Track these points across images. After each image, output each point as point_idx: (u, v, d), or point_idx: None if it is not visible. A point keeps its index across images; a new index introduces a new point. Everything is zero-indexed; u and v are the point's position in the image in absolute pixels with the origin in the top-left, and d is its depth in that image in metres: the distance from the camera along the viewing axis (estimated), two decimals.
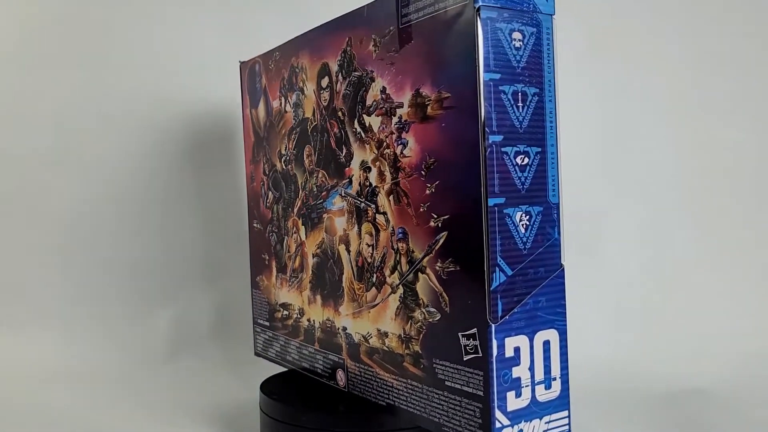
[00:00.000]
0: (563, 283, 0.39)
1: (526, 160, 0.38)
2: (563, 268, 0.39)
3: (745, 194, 0.80)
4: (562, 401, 0.39)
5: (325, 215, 0.50)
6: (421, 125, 0.40)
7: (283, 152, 0.55)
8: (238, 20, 0.76)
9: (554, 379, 0.39)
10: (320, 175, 0.50)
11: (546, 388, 0.39)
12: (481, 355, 0.37)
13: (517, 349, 0.37)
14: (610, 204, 0.81)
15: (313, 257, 0.51)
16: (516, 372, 0.37)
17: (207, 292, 0.75)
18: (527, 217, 0.38)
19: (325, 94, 0.49)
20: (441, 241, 0.39)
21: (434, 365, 0.40)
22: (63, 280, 0.75)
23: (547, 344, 0.39)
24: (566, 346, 0.39)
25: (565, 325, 0.39)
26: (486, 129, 0.36)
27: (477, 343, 0.37)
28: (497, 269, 0.37)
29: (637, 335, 0.74)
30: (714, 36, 0.82)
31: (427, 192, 0.40)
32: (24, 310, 0.74)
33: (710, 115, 0.82)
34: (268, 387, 0.52)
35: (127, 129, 0.75)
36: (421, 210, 0.40)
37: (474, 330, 0.37)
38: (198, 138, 0.76)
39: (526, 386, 0.38)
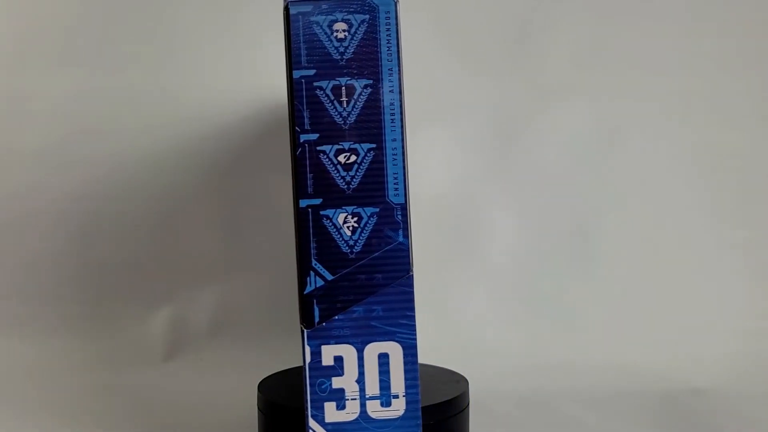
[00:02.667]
0: (411, 293, 0.35)
1: (354, 158, 0.35)
2: (411, 276, 0.35)
3: (745, 194, 0.77)
4: (409, 422, 0.35)
5: None
6: None
7: None
8: (235, 19, 0.76)
9: (396, 396, 0.35)
10: None
11: (383, 405, 0.35)
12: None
13: (338, 359, 0.35)
14: (609, 204, 0.78)
15: None
16: (338, 383, 0.35)
17: (206, 291, 0.74)
18: (355, 219, 0.35)
19: None
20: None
21: None
22: (62, 280, 0.75)
23: (384, 357, 0.35)
24: (414, 362, 0.35)
25: (413, 339, 0.35)
26: (297, 128, 0.35)
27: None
28: (312, 273, 0.35)
29: (636, 334, 0.72)
30: (714, 36, 0.79)
31: None
32: (23, 310, 0.75)
33: (710, 115, 0.78)
34: (267, 386, 0.52)
35: (125, 127, 0.75)
36: None
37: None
38: (199, 136, 0.75)
39: (353, 399, 0.35)
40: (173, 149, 0.75)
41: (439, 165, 0.72)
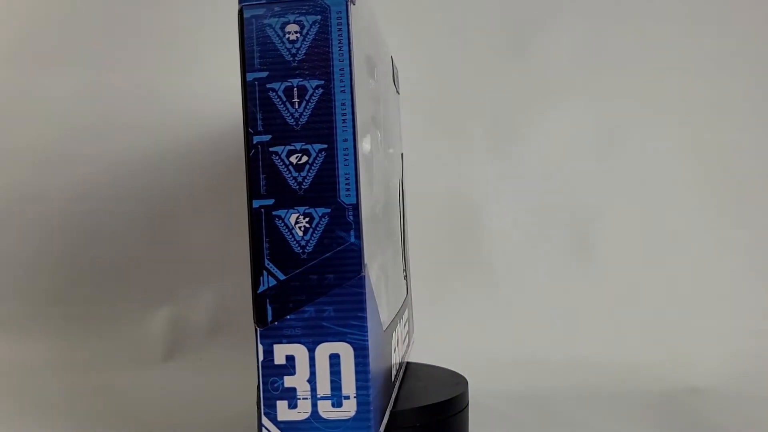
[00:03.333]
0: (362, 293, 0.35)
1: (305, 158, 0.35)
2: (363, 277, 0.35)
3: (745, 194, 0.78)
4: (360, 424, 0.35)
5: None
6: None
7: None
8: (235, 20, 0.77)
9: (347, 397, 0.35)
10: None
11: (333, 406, 0.35)
12: None
13: (290, 358, 0.35)
14: (609, 203, 0.79)
15: None
16: (289, 381, 0.35)
17: (206, 291, 0.75)
18: (307, 219, 0.35)
19: None
20: None
21: None
22: (62, 280, 0.76)
23: (335, 358, 0.35)
24: (366, 364, 0.35)
25: (365, 340, 0.35)
26: (250, 130, 0.36)
27: None
28: (265, 273, 0.36)
29: (636, 334, 0.73)
30: (713, 36, 0.80)
31: None
32: (21, 310, 0.76)
33: (711, 115, 0.80)
34: None
35: (124, 127, 0.75)
36: None
37: None
38: (198, 136, 0.76)
39: (304, 399, 0.35)
40: (173, 149, 0.76)
41: (439, 164, 0.71)
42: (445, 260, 0.72)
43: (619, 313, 0.75)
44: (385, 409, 0.40)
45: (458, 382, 0.53)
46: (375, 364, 0.37)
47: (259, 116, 0.36)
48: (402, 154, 0.64)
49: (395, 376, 0.46)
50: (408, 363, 0.57)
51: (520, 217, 0.77)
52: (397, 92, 0.64)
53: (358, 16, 0.42)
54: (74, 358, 0.71)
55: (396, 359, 0.46)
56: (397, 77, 0.63)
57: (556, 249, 0.78)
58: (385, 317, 0.46)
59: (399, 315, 0.50)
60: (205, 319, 0.75)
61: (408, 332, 0.56)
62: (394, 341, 0.45)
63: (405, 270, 0.59)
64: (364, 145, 0.44)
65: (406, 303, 0.57)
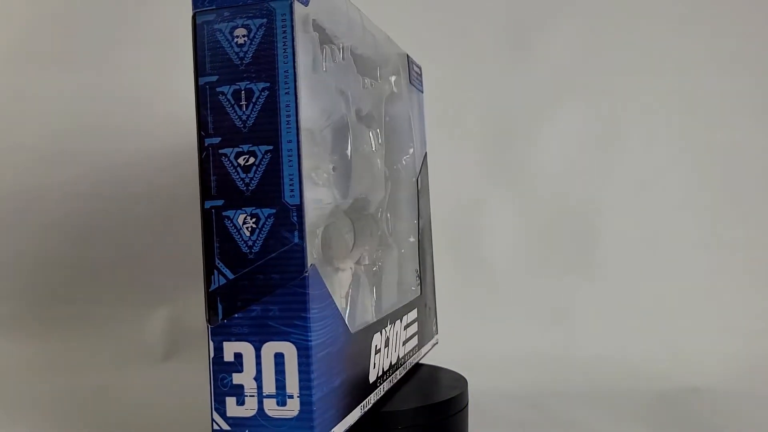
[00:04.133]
0: (305, 294, 0.35)
1: (252, 160, 0.36)
2: (306, 277, 0.35)
3: (745, 194, 0.79)
4: (303, 424, 0.35)
5: None
6: None
7: None
8: None
9: (291, 397, 0.35)
10: None
11: (278, 404, 0.36)
12: None
13: (238, 356, 0.36)
14: (609, 203, 0.80)
15: None
16: (237, 379, 0.36)
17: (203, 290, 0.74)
18: (254, 220, 0.36)
19: None
20: None
21: None
22: (61, 280, 0.77)
23: (279, 357, 0.35)
24: (309, 364, 0.35)
25: (308, 340, 0.35)
26: (202, 132, 0.36)
27: None
28: (216, 272, 0.36)
29: (636, 334, 0.73)
30: (713, 35, 0.81)
31: None
32: (21, 310, 0.77)
33: (710, 115, 0.80)
34: None
35: (124, 127, 0.76)
36: None
37: None
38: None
39: (251, 396, 0.36)
40: (173, 150, 0.76)
41: (438, 165, 0.70)
42: (445, 260, 0.71)
43: (619, 313, 0.75)
44: (349, 410, 0.40)
45: (458, 382, 0.53)
46: (328, 365, 0.37)
47: (209, 119, 0.36)
48: (426, 154, 0.64)
49: (382, 376, 0.46)
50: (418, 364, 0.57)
51: (519, 216, 0.76)
52: (420, 90, 0.63)
53: (334, 17, 0.42)
54: (74, 358, 0.71)
55: (381, 360, 0.46)
56: (418, 76, 0.63)
57: (555, 249, 0.78)
58: (364, 317, 0.46)
59: (396, 315, 0.50)
60: (202, 318, 0.76)
61: (418, 333, 0.56)
62: (378, 342, 0.45)
63: (419, 271, 0.58)
64: (349, 144, 0.44)
65: (418, 303, 0.56)
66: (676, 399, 0.60)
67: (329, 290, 0.38)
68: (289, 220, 0.36)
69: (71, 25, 0.79)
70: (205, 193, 0.37)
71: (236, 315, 0.36)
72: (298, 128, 0.35)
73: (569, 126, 0.80)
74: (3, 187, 0.79)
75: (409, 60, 0.60)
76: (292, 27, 0.35)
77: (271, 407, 0.36)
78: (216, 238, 0.36)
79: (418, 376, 0.53)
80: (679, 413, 0.57)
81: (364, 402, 0.43)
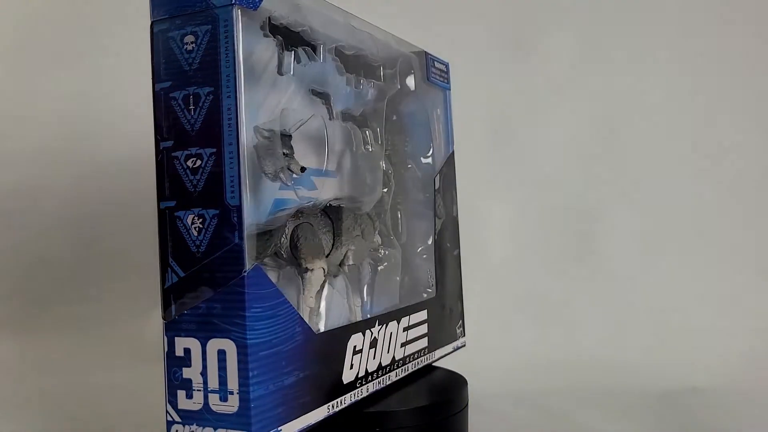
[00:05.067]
0: (243, 293, 0.36)
1: (198, 162, 0.37)
2: (245, 277, 0.36)
3: (745, 193, 0.80)
4: (241, 420, 0.36)
5: None
6: None
7: None
8: None
9: (231, 393, 0.36)
10: None
11: (221, 400, 0.36)
12: None
13: (187, 351, 0.37)
14: (609, 203, 0.80)
15: None
16: (186, 373, 0.37)
17: None
18: (200, 220, 0.37)
19: None
20: None
21: None
22: (60, 280, 0.76)
23: (222, 354, 0.36)
24: (247, 362, 0.36)
25: (245, 338, 0.36)
26: (158, 136, 0.38)
27: None
28: (169, 270, 0.38)
29: (636, 334, 0.73)
30: (712, 36, 0.81)
31: None
32: (20, 310, 0.77)
33: (709, 114, 0.81)
34: None
35: (124, 128, 0.75)
36: None
37: None
38: None
39: (198, 390, 0.37)
40: None
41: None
42: None
43: (619, 313, 0.75)
44: (310, 408, 0.40)
45: (458, 382, 0.52)
46: (274, 364, 0.37)
47: (164, 123, 0.38)
48: (452, 152, 0.62)
49: (365, 377, 0.46)
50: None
51: (519, 216, 0.76)
52: (444, 87, 0.62)
53: (309, 19, 0.42)
54: (74, 358, 0.71)
55: (363, 361, 0.45)
56: (442, 73, 0.62)
57: (555, 249, 0.78)
58: (340, 317, 0.46)
59: (392, 316, 0.49)
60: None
61: (428, 335, 0.55)
62: (358, 343, 0.45)
63: (436, 271, 0.57)
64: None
65: (432, 305, 0.55)
66: (676, 399, 0.60)
67: (281, 290, 0.39)
68: (230, 220, 0.36)
69: (72, 26, 0.80)
70: (161, 195, 0.38)
71: (185, 312, 0.37)
72: (238, 131, 0.36)
73: (569, 126, 0.80)
74: (3, 187, 0.79)
75: (427, 57, 0.59)
76: (234, 32, 0.36)
77: (215, 402, 0.37)
78: (169, 237, 0.38)
79: (419, 376, 0.53)
80: (679, 413, 0.57)
81: (335, 402, 0.43)
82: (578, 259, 0.78)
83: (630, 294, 0.76)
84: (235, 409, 0.36)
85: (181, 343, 0.38)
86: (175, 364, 0.38)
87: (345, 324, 0.45)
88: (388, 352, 0.49)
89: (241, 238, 0.36)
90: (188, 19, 0.37)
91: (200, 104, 0.37)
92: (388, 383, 0.49)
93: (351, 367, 0.45)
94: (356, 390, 0.45)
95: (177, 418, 0.38)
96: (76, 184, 0.79)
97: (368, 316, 0.48)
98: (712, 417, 0.56)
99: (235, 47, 0.36)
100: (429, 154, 0.59)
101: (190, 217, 0.38)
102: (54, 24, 0.80)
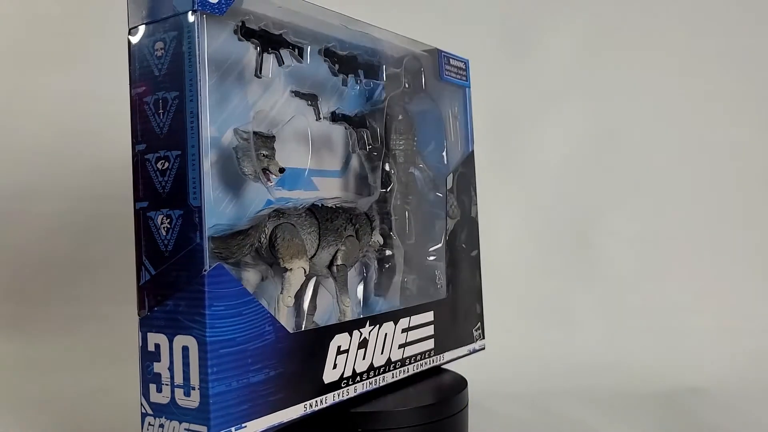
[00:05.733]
0: (203, 291, 0.37)
1: (167, 164, 0.38)
2: (204, 276, 0.36)
3: (744, 193, 0.79)
4: (201, 415, 0.37)
5: None
6: None
7: None
8: None
9: (193, 388, 0.37)
10: None
11: (185, 395, 0.38)
12: None
13: (157, 346, 0.39)
14: (608, 203, 0.80)
15: None
16: (157, 367, 0.39)
17: None
18: (168, 220, 0.38)
19: None
20: None
21: None
22: (59, 280, 0.76)
23: (185, 350, 0.37)
24: (207, 359, 0.36)
25: (204, 336, 0.36)
26: (133, 140, 0.39)
27: None
28: (143, 268, 0.39)
29: (636, 334, 0.73)
30: (712, 35, 0.80)
31: None
32: (19, 310, 0.77)
33: (709, 114, 0.80)
34: None
35: (124, 128, 0.72)
36: None
37: None
38: None
39: (166, 385, 0.38)
40: None
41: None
42: None
43: (619, 314, 0.74)
44: (282, 406, 0.40)
45: (458, 382, 0.52)
46: (239, 361, 0.38)
47: (138, 127, 0.40)
48: (471, 151, 0.61)
49: (353, 377, 0.46)
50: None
51: (519, 217, 0.75)
52: (462, 85, 0.61)
53: (293, 21, 0.43)
54: (74, 358, 0.70)
55: (350, 361, 0.45)
56: (459, 70, 0.60)
57: (555, 249, 0.77)
58: (323, 317, 0.46)
59: (388, 317, 0.49)
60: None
61: (435, 336, 0.54)
62: (343, 342, 0.45)
63: (447, 272, 0.56)
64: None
65: (441, 306, 0.55)
66: (676, 399, 0.60)
67: (249, 289, 0.39)
68: (193, 221, 0.37)
69: (71, 26, 0.79)
70: (136, 195, 0.40)
71: (156, 308, 0.39)
72: (200, 134, 0.37)
73: (569, 126, 0.79)
74: (2, 187, 0.78)
75: (441, 55, 0.58)
76: (197, 38, 0.37)
77: (180, 397, 0.38)
78: (143, 236, 0.40)
79: (418, 377, 0.52)
80: (679, 413, 0.57)
81: (315, 401, 0.43)
82: (579, 258, 0.78)
83: (630, 294, 0.76)
84: (196, 404, 0.37)
85: (153, 339, 0.39)
86: (147, 358, 0.39)
87: (327, 324, 0.45)
88: (382, 353, 0.49)
89: (202, 238, 0.37)
90: (159, 26, 0.39)
91: (168, 108, 0.38)
92: (382, 384, 0.49)
93: (334, 367, 0.45)
94: (341, 390, 0.45)
95: (149, 411, 0.39)
96: (75, 184, 0.78)
97: (360, 316, 0.48)
98: (712, 417, 0.56)
99: (197, 52, 0.37)
100: (442, 154, 0.58)
101: (160, 217, 0.39)
102: (53, 24, 0.80)
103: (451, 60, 0.59)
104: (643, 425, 0.55)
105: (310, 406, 0.43)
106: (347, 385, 0.46)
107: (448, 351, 0.56)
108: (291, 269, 0.43)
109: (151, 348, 0.39)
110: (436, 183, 0.58)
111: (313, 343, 0.43)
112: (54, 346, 0.72)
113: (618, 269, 0.77)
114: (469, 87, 0.62)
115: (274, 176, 0.43)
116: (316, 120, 0.46)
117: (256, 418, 0.39)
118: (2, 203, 0.79)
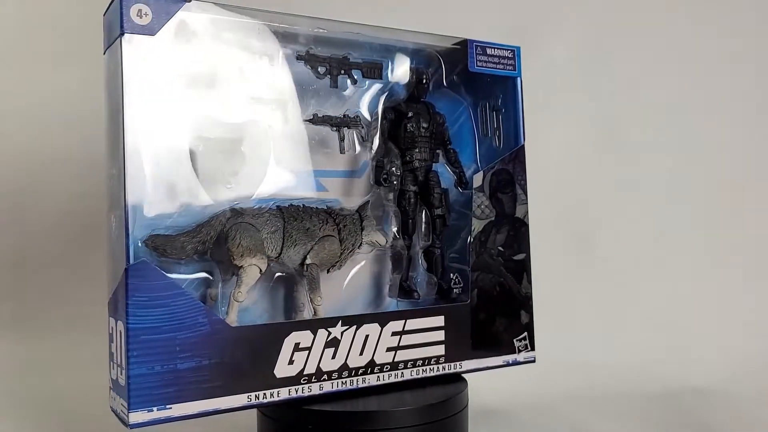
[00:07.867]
0: (126, 284, 0.41)
1: (115, 170, 0.43)
2: (128, 269, 0.41)
3: (744, 193, 0.78)
4: (126, 392, 0.41)
5: None
6: None
7: None
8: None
9: (122, 368, 0.42)
10: None
11: (120, 374, 0.42)
12: None
13: (112, 329, 0.44)
14: (608, 203, 0.79)
15: None
16: (112, 348, 0.44)
17: None
18: (115, 221, 0.43)
19: None
20: None
21: None
22: (59, 280, 0.75)
23: (120, 334, 0.42)
24: (128, 343, 0.41)
25: (127, 323, 0.41)
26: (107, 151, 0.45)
27: None
28: (109, 262, 0.45)
29: (636, 334, 0.73)
30: (711, 35, 0.80)
31: None
32: (19, 310, 0.75)
33: (709, 114, 0.79)
34: None
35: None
36: None
37: None
38: None
39: (117, 364, 0.43)
40: None
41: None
42: None
43: (619, 313, 0.75)
44: (215, 395, 0.43)
45: (458, 382, 0.51)
46: (163, 348, 0.42)
47: (107, 140, 0.45)
48: (521, 146, 0.56)
49: (318, 375, 0.46)
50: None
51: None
52: (508, 75, 0.56)
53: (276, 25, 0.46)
54: (74, 358, 0.70)
55: (313, 359, 0.46)
56: (501, 59, 0.56)
57: (555, 249, 0.76)
58: (275, 314, 0.49)
59: (368, 319, 0.48)
60: None
61: (445, 342, 0.51)
62: (304, 340, 0.46)
63: (469, 276, 0.53)
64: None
65: (454, 311, 0.52)
66: (676, 399, 0.60)
67: (178, 282, 0.43)
68: (125, 220, 0.42)
69: (71, 26, 0.78)
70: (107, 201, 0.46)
71: (111, 296, 0.44)
72: (124, 143, 0.42)
73: (570, 127, 0.79)
74: (2, 187, 0.77)
75: (473, 46, 0.54)
76: (122, 57, 0.42)
77: (119, 375, 0.43)
78: (108, 235, 0.45)
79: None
80: (679, 413, 0.57)
81: (263, 393, 0.45)
82: (579, 258, 0.78)
83: (630, 294, 0.76)
84: (123, 384, 0.42)
85: (111, 323, 0.45)
86: (110, 339, 0.45)
87: (282, 320, 0.46)
88: (361, 354, 0.48)
89: (127, 236, 0.42)
90: (114, 48, 0.44)
91: (117, 121, 0.43)
92: (363, 386, 0.49)
93: (290, 363, 0.46)
94: (300, 386, 0.46)
95: (111, 385, 0.45)
96: (75, 184, 0.77)
97: (332, 315, 0.48)
98: (713, 417, 0.55)
99: (122, 70, 0.42)
100: (467, 151, 0.55)
101: (111, 217, 0.44)
102: (53, 24, 0.79)
103: (487, 49, 0.56)
104: (643, 425, 0.55)
105: (257, 397, 0.45)
106: (309, 382, 0.47)
107: (469, 360, 0.53)
108: (242, 266, 0.46)
109: (110, 331, 0.45)
110: (463, 181, 0.55)
111: (262, 338, 0.45)
112: (54, 346, 0.73)
113: (618, 269, 0.77)
114: (520, 76, 0.57)
115: (230, 179, 0.46)
116: (285, 124, 0.48)
117: (184, 402, 0.43)
118: (2, 203, 0.78)
